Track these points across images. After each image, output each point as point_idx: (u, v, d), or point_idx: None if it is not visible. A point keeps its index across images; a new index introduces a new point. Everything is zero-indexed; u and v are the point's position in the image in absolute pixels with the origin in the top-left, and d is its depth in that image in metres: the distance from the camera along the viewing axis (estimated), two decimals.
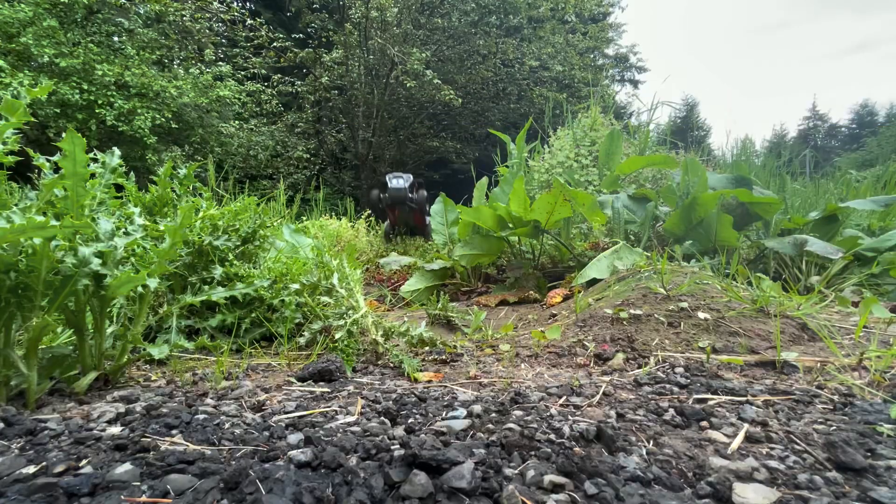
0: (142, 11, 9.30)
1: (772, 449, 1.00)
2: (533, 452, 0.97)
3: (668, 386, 1.42)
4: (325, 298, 2.19)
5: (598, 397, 1.35)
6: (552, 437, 1.05)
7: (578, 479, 0.85)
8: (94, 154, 1.75)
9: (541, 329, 2.17)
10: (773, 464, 0.92)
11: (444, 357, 1.91)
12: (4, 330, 1.29)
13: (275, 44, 13.64)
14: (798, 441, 1.03)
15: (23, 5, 6.96)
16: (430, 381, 1.62)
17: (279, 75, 14.51)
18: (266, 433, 1.09)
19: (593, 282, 3.18)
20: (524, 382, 1.56)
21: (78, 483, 0.80)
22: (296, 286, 2.15)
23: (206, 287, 1.91)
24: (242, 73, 13.05)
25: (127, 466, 0.88)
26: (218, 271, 2.06)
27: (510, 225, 3.87)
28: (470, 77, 15.94)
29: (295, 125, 15.41)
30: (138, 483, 0.83)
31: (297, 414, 1.24)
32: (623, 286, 2.59)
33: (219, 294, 1.74)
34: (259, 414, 1.25)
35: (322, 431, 1.10)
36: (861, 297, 2.85)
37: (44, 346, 1.51)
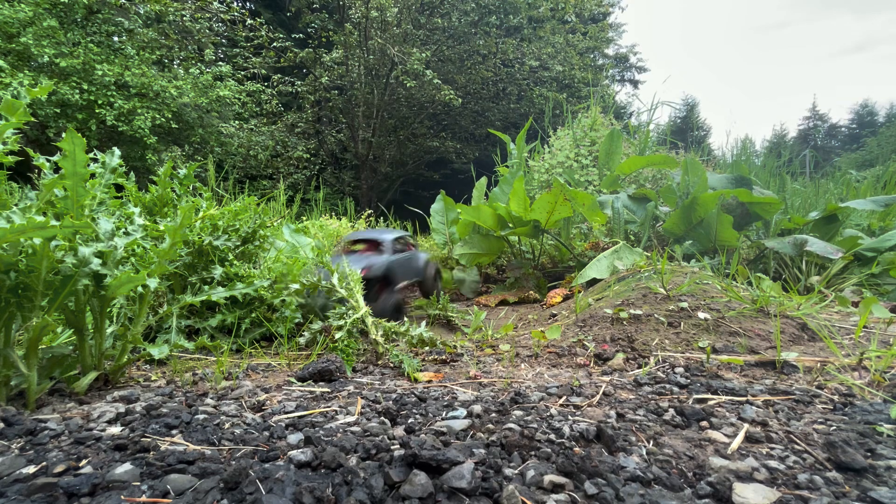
0: (142, 11, 9.30)
1: (772, 449, 1.00)
2: (533, 452, 0.97)
3: (668, 386, 1.42)
4: None
5: (598, 397, 1.35)
6: (552, 437, 1.05)
7: (578, 479, 0.85)
8: (94, 154, 1.75)
9: (541, 329, 2.17)
10: (773, 464, 0.92)
11: (444, 357, 1.91)
12: (4, 330, 1.29)
13: (275, 44, 13.65)
14: (798, 441, 1.03)
15: (23, 5, 6.96)
16: (430, 381, 1.62)
17: (279, 75, 14.52)
18: (266, 433, 1.09)
19: (593, 282, 3.18)
20: (524, 382, 1.56)
21: (78, 483, 0.80)
22: (296, 286, 2.15)
23: (206, 287, 1.91)
24: (242, 73, 13.05)
25: (127, 466, 0.88)
26: (218, 271, 2.06)
27: (510, 225, 3.87)
28: (470, 77, 15.95)
29: (295, 125, 15.41)
30: (138, 483, 0.83)
31: (297, 414, 1.24)
32: (623, 286, 2.59)
33: (219, 294, 1.74)
34: (259, 414, 1.25)
35: (322, 431, 1.10)
36: (861, 297, 2.85)
37: (44, 346, 1.51)
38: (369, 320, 1.98)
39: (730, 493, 0.81)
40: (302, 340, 2.00)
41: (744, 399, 1.29)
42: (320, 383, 1.59)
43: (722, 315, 2.04)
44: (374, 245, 3.04)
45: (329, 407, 1.30)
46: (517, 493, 0.79)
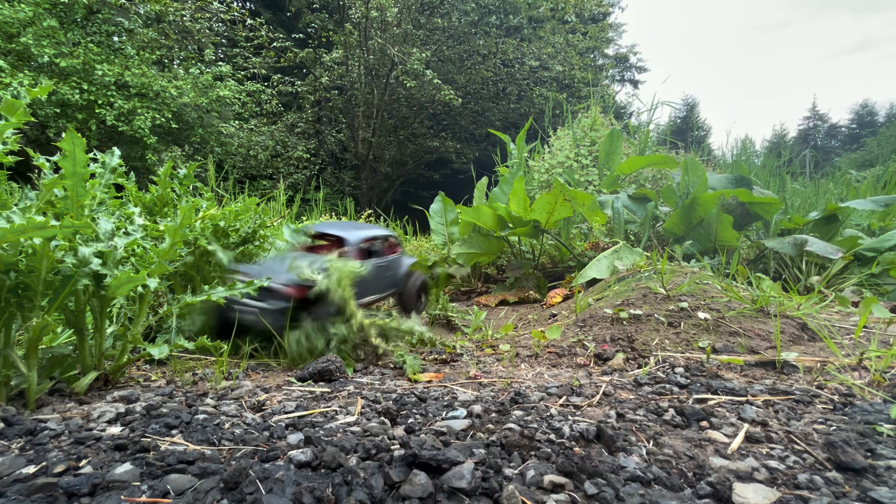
0: (142, 11, 9.30)
1: (772, 449, 1.00)
2: (533, 452, 0.97)
3: (668, 386, 1.42)
4: None
5: (598, 397, 1.35)
6: (552, 437, 1.05)
7: (578, 479, 0.85)
8: (94, 154, 1.75)
9: (541, 329, 2.17)
10: (773, 464, 0.92)
11: (444, 357, 1.91)
12: (4, 330, 1.29)
13: (275, 44, 13.66)
14: (798, 441, 1.03)
15: (23, 5, 6.96)
16: (430, 381, 1.62)
17: (279, 75, 14.53)
18: (266, 433, 1.09)
19: (593, 282, 3.18)
20: (524, 382, 1.56)
21: (78, 483, 0.80)
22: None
23: (206, 287, 1.91)
24: (242, 73, 13.05)
25: (127, 466, 0.88)
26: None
27: (510, 225, 3.87)
28: (470, 77, 15.95)
29: (295, 125, 15.42)
30: (138, 483, 0.83)
31: (297, 414, 1.24)
32: (623, 286, 2.59)
33: (219, 294, 1.74)
34: (259, 414, 1.25)
35: (322, 431, 1.10)
36: (861, 296, 2.85)
37: (44, 346, 1.51)
38: (367, 322, 1.98)
39: (730, 493, 0.81)
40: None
41: (744, 399, 1.29)
42: (320, 383, 1.59)
43: (722, 315, 2.04)
44: (338, 244, 2.45)
45: (329, 407, 1.30)
46: (517, 493, 0.79)
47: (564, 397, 1.35)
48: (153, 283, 1.42)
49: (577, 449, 0.99)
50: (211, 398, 1.40)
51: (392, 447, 0.98)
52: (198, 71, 9.75)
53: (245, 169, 12.66)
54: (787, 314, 2.07)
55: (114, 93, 7.82)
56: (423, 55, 13.39)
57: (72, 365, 1.46)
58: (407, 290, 2.83)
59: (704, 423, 1.13)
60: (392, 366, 1.84)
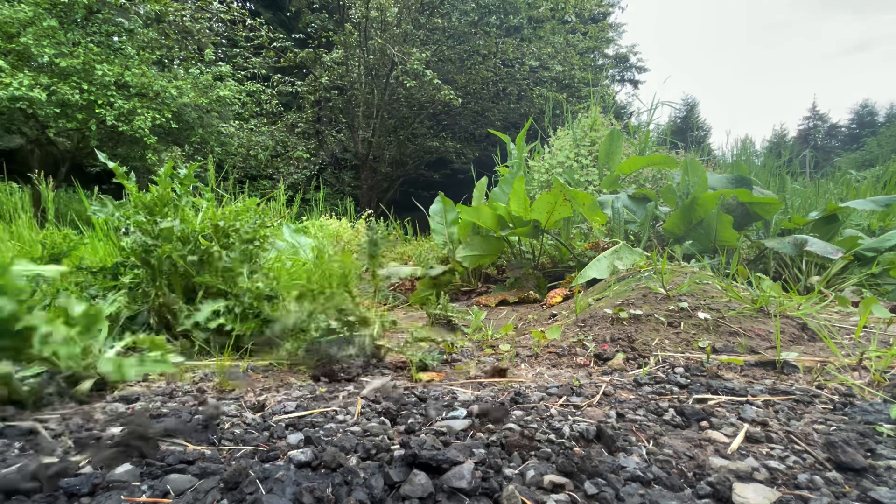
0: (142, 11, 9.30)
1: (772, 449, 1.00)
2: (533, 452, 0.97)
3: (668, 386, 1.42)
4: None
5: (598, 397, 1.35)
6: (552, 437, 1.05)
7: (578, 479, 0.85)
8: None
9: (541, 329, 2.17)
10: (773, 464, 0.92)
11: (444, 357, 1.91)
12: None
13: (275, 44, 13.68)
14: (798, 441, 1.03)
15: (23, 5, 6.97)
16: (430, 381, 1.62)
17: (279, 75, 14.54)
18: (266, 433, 1.09)
19: (593, 282, 3.18)
20: (524, 382, 1.56)
21: (78, 483, 0.80)
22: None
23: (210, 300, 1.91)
24: (242, 73, 13.06)
25: (127, 466, 0.88)
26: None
27: (510, 225, 3.87)
28: (470, 77, 15.97)
29: (295, 125, 15.43)
30: (138, 483, 0.83)
31: (297, 414, 1.24)
32: (623, 286, 2.59)
33: (221, 305, 1.74)
34: (259, 414, 1.25)
35: (322, 431, 1.10)
36: (861, 296, 2.85)
37: None
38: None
39: (730, 493, 0.81)
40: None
41: (744, 399, 1.29)
42: (320, 382, 1.59)
43: (722, 315, 2.04)
44: None
45: (329, 407, 1.30)
46: (517, 493, 0.79)
47: (564, 397, 1.35)
48: None
49: (577, 449, 0.99)
50: (211, 398, 1.39)
51: (392, 447, 0.98)
52: (198, 71, 9.74)
53: (245, 169, 12.67)
54: (787, 314, 2.07)
55: (114, 93, 7.82)
56: (423, 55, 13.39)
57: None
58: None
59: (704, 423, 1.13)
60: (392, 365, 1.84)
